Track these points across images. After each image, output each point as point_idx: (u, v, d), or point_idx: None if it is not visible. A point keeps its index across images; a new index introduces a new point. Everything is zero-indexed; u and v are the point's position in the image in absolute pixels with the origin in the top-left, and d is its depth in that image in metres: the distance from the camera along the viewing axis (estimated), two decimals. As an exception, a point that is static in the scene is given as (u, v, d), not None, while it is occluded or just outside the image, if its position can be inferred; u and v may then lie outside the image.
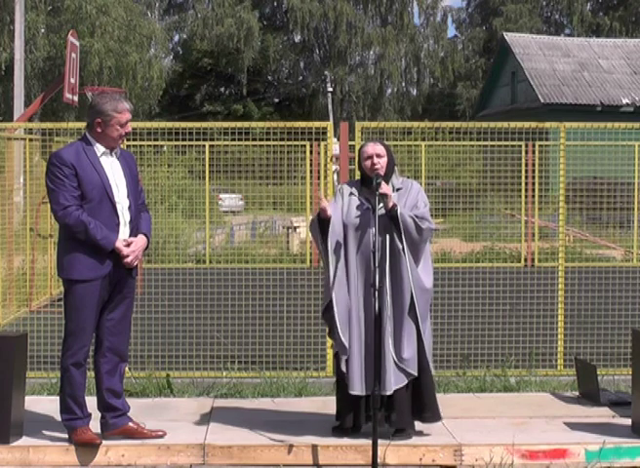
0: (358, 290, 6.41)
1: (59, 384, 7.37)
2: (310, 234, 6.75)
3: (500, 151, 15.93)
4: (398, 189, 6.50)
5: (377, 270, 6.05)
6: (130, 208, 6.30)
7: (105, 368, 6.34)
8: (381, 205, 6.34)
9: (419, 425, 6.58)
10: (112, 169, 6.28)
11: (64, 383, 6.30)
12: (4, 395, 6.35)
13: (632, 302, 10.63)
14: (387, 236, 6.29)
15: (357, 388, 6.37)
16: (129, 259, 6.22)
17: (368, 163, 6.45)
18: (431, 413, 6.55)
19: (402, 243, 6.33)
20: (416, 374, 6.39)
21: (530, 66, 40.25)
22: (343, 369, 6.42)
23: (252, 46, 59.60)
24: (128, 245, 6.23)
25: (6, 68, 39.49)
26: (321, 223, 6.44)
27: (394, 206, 6.33)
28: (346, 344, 6.36)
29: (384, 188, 6.32)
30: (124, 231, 6.27)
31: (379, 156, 6.45)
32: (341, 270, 6.41)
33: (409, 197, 6.47)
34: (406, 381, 6.37)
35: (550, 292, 10.46)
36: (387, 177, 6.44)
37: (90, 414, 6.38)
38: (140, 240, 6.32)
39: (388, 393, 6.30)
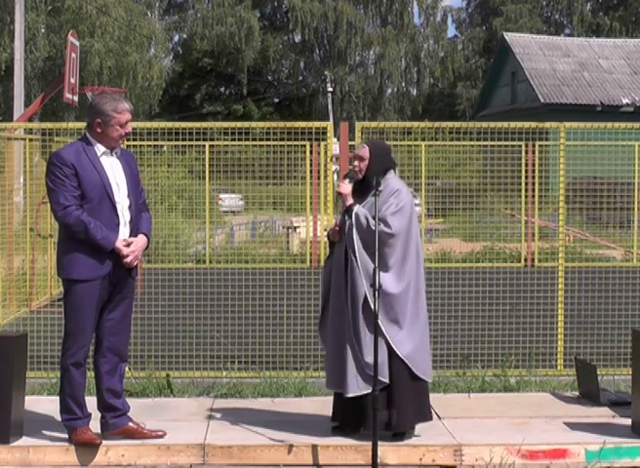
0: (337, 290, 6.44)
1: (59, 384, 7.37)
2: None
3: (500, 151, 15.93)
4: (380, 192, 6.42)
5: (376, 270, 6.04)
6: (130, 207, 6.30)
7: (105, 368, 6.34)
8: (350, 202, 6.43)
9: (418, 426, 6.58)
10: (112, 168, 6.28)
11: (64, 383, 6.30)
12: (4, 395, 6.35)
13: (632, 302, 10.63)
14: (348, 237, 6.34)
15: (329, 385, 6.55)
16: (128, 259, 6.22)
17: (352, 163, 6.56)
18: (396, 422, 6.37)
19: (352, 244, 6.32)
20: (385, 381, 6.28)
21: (530, 66, 40.24)
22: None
23: (252, 46, 59.58)
24: (128, 245, 6.23)
25: (6, 68, 39.48)
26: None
27: (351, 205, 6.35)
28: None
29: (342, 187, 6.39)
30: (124, 231, 6.26)
31: (360, 159, 6.48)
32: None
33: (380, 199, 6.37)
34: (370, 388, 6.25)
35: (550, 292, 10.46)
36: (369, 178, 6.38)
37: (90, 414, 6.38)
38: (140, 240, 6.32)
39: (349, 395, 6.32)
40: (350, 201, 6.38)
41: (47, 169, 6.26)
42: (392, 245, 6.31)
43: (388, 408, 6.36)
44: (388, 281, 6.29)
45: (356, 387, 6.28)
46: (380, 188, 6.35)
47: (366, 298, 6.26)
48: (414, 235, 6.44)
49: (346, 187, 6.40)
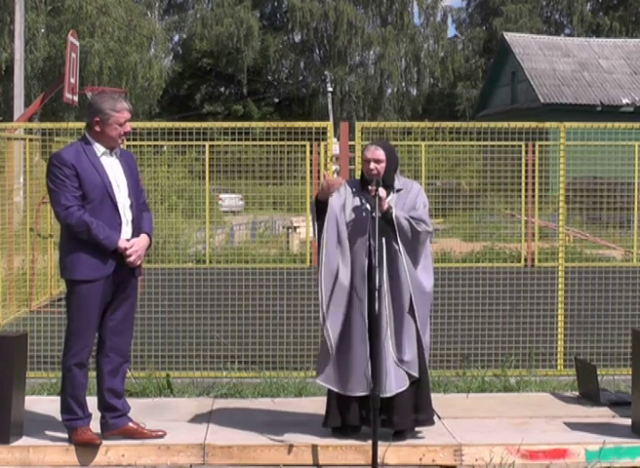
0: (356, 289, 6.42)
1: (59, 384, 7.35)
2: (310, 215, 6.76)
3: (500, 151, 15.94)
4: (398, 190, 6.51)
5: (377, 270, 6.07)
6: (131, 207, 6.30)
7: (107, 367, 6.34)
8: (387, 206, 6.39)
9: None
10: (113, 168, 6.28)
11: (66, 383, 6.29)
12: (4, 395, 6.35)
13: (632, 302, 10.63)
14: (384, 238, 6.31)
15: (353, 389, 6.40)
16: (132, 259, 6.22)
17: (366, 166, 6.49)
18: (426, 416, 6.53)
19: (398, 245, 6.34)
20: (417, 376, 6.39)
21: (530, 66, 40.25)
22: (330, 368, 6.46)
23: (252, 46, 59.60)
24: (130, 244, 6.23)
25: (6, 68, 39.49)
26: (319, 205, 6.49)
27: (389, 208, 6.34)
28: (332, 344, 6.40)
29: (381, 191, 6.35)
30: (126, 230, 6.26)
31: (377, 161, 6.46)
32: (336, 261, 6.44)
33: (408, 198, 6.48)
34: (407, 384, 6.36)
35: (550, 292, 10.46)
36: (387, 180, 6.44)
37: (90, 415, 6.38)
38: (143, 239, 6.32)
39: (389, 395, 6.30)
40: (387, 205, 6.37)
41: (47, 170, 6.25)
42: (426, 244, 6.48)
43: (419, 403, 6.43)
44: (424, 280, 6.42)
45: (394, 386, 6.29)
46: (399, 187, 6.50)
47: (411, 298, 6.34)
48: None
49: (384, 191, 6.36)
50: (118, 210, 6.23)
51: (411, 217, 6.36)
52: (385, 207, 6.33)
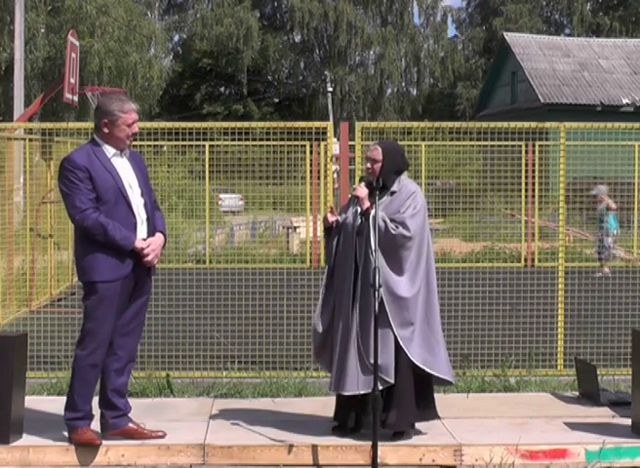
0: (342, 290, 6.43)
1: (59, 384, 7.36)
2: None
3: (500, 151, 15.95)
4: (392, 192, 6.47)
5: (377, 270, 6.05)
6: (145, 206, 6.30)
7: (115, 366, 6.33)
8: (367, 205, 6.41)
9: (418, 425, 6.59)
10: (124, 169, 6.28)
11: (76, 381, 6.26)
12: (4, 395, 6.35)
13: (632, 302, 10.63)
14: (364, 238, 6.31)
15: (332, 387, 6.48)
16: (149, 258, 6.22)
17: (364, 165, 6.55)
18: (400, 419, 6.42)
19: (370, 246, 6.30)
20: (391, 381, 6.30)
21: (530, 66, 40.26)
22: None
23: (252, 46, 59.63)
24: (147, 244, 6.23)
25: (6, 68, 39.46)
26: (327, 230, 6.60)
27: (368, 208, 6.33)
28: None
29: (357, 190, 6.37)
30: (141, 230, 6.26)
31: (373, 161, 6.47)
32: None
33: (396, 201, 6.43)
34: (379, 387, 6.24)
35: (550, 292, 10.46)
36: (385, 181, 6.42)
37: (93, 416, 6.37)
38: (159, 238, 6.34)
39: (346, 393, 6.33)
40: (367, 204, 6.36)
41: (59, 174, 6.24)
42: (409, 248, 6.36)
43: (390, 407, 6.37)
44: (402, 284, 6.34)
45: (355, 386, 6.28)
46: (394, 189, 6.44)
47: (381, 300, 6.26)
48: (426, 237, 6.50)
49: (363, 190, 6.37)
50: (132, 210, 6.22)
51: (391, 220, 6.31)
52: (365, 206, 6.34)
